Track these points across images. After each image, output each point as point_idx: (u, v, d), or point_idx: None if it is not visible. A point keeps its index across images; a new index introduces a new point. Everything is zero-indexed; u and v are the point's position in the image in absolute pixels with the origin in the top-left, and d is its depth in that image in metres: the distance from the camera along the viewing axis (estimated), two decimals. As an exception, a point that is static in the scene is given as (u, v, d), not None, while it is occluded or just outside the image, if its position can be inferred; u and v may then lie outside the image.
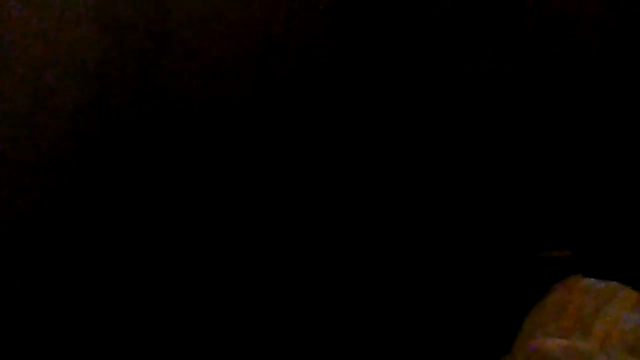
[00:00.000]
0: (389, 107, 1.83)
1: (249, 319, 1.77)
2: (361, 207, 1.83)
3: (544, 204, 1.87)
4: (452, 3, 1.80)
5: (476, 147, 1.85)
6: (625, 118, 1.85)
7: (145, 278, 1.69)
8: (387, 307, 1.83)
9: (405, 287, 1.84)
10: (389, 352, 1.82)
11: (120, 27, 1.62)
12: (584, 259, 1.85)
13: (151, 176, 1.68)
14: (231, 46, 1.70)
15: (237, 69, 1.72)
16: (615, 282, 1.53)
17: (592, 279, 1.55)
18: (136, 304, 1.69)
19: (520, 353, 1.51)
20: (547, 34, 1.83)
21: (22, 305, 1.61)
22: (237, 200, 1.75)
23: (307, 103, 1.77)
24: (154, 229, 1.69)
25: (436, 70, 1.83)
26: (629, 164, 1.86)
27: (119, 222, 1.66)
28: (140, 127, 1.66)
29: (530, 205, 1.87)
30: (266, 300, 1.78)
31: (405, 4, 1.79)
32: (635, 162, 1.86)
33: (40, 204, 1.60)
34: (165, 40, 1.66)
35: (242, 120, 1.74)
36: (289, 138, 1.77)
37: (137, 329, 1.70)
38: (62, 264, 1.63)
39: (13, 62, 1.55)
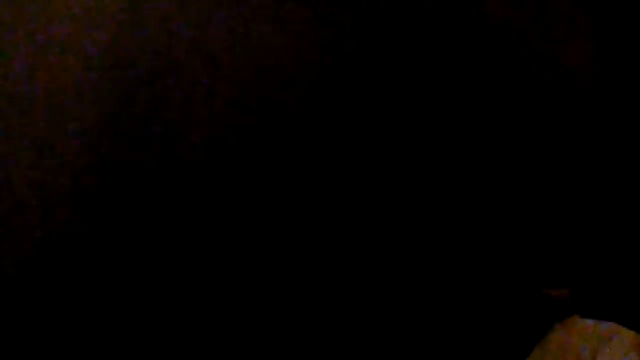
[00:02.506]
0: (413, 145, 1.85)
1: (249, 319, 1.78)
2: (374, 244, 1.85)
3: (542, 243, 1.90)
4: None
5: (478, 187, 1.88)
6: (627, 158, 1.89)
7: (153, 283, 1.71)
8: (391, 345, 1.85)
9: (405, 324, 1.85)
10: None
11: (126, 65, 1.65)
12: (581, 297, 1.88)
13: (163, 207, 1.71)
14: (243, 87, 1.73)
15: (247, 109, 1.74)
16: (613, 323, 1.57)
17: (590, 320, 1.59)
18: (145, 305, 1.70)
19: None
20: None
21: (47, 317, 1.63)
22: (240, 208, 1.77)
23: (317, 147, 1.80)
24: (161, 250, 1.71)
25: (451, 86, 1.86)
26: (627, 204, 1.89)
27: (133, 241, 1.68)
28: (146, 162, 1.69)
29: (528, 245, 1.90)
30: (266, 301, 1.79)
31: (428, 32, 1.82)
32: (633, 202, 1.89)
33: (64, 226, 1.62)
34: (172, 77, 1.69)
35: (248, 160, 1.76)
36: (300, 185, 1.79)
37: (143, 330, 1.71)
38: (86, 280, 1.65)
39: (21, 99, 1.59)
